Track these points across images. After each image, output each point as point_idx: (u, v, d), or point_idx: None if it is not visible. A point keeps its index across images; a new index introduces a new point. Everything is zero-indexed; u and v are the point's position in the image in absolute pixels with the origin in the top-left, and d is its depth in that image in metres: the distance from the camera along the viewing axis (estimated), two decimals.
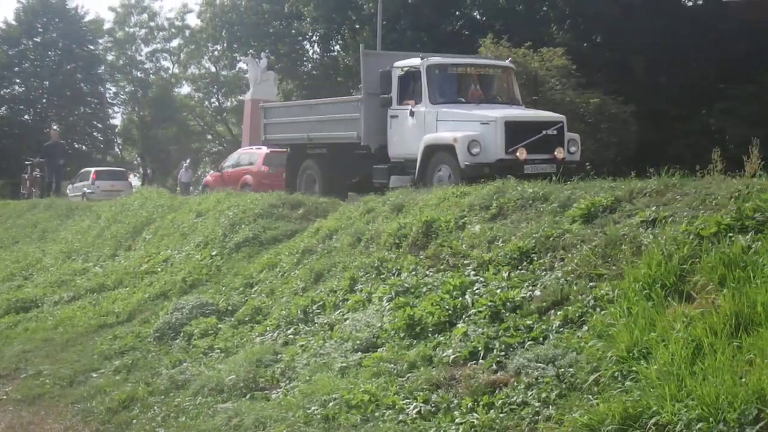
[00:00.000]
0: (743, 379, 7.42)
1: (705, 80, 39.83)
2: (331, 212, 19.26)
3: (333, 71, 63.60)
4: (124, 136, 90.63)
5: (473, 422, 9.06)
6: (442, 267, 13.19)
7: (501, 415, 9.02)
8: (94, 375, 15.43)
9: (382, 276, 13.97)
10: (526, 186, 14.41)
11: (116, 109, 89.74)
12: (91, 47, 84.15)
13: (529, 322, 10.52)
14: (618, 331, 9.13)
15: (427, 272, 13.28)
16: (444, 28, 45.50)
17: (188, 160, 78.17)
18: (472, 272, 12.44)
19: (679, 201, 11.46)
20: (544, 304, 10.72)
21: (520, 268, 11.92)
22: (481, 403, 9.34)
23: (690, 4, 44.91)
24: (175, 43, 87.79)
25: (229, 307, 16.30)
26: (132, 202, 28.93)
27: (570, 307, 10.32)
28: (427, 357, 10.79)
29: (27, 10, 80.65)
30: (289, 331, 13.99)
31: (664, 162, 14.61)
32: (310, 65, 68.93)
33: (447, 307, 11.62)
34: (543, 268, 11.61)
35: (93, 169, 51.92)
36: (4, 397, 15.43)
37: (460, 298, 11.72)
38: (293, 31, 65.23)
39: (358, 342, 12.05)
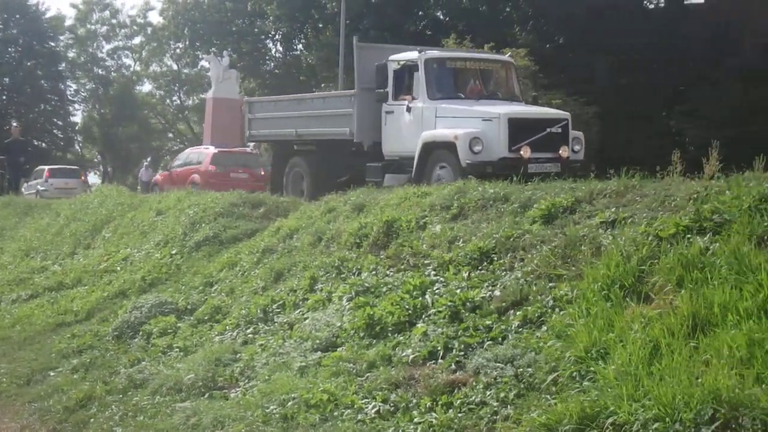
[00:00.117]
0: (699, 380, 7.47)
1: (666, 82, 40.08)
2: (292, 211, 19.23)
3: (296, 70, 63.51)
4: (85, 134, 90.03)
5: (432, 422, 9.08)
6: (402, 267, 13.19)
7: (459, 414, 9.04)
8: (52, 374, 15.36)
9: (342, 275, 13.96)
10: (486, 186, 14.43)
11: (77, 106, 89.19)
12: (52, 44, 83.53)
13: (488, 322, 10.54)
14: (576, 331, 9.18)
15: (388, 272, 13.28)
16: (407, 28, 45.50)
17: (149, 159, 77.91)
18: (433, 272, 12.45)
19: (639, 202, 11.52)
20: (504, 304, 10.75)
21: (480, 268, 11.94)
22: (440, 402, 9.36)
23: (652, 6, 45.15)
24: (136, 40, 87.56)
25: (189, 306, 16.26)
26: (92, 200, 28.81)
27: (529, 308, 10.35)
28: (387, 357, 10.80)
29: None
30: (248, 331, 13.97)
31: (625, 163, 14.69)
32: (272, 64, 68.82)
33: (407, 306, 11.62)
34: (503, 268, 11.63)
35: (47, 167, 51.85)
36: None
37: (420, 298, 11.73)
38: (256, 29, 65.09)
39: (317, 341, 12.05)
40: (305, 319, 13.18)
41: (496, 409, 8.88)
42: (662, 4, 44.91)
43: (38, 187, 47.68)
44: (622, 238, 10.45)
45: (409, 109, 20.83)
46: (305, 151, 25.31)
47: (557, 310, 10.04)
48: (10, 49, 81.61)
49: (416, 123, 20.64)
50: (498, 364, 9.50)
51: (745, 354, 7.50)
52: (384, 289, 12.62)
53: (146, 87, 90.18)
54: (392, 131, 21.55)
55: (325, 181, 22.52)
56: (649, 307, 9.08)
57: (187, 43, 70.15)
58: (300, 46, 63.27)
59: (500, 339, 10.13)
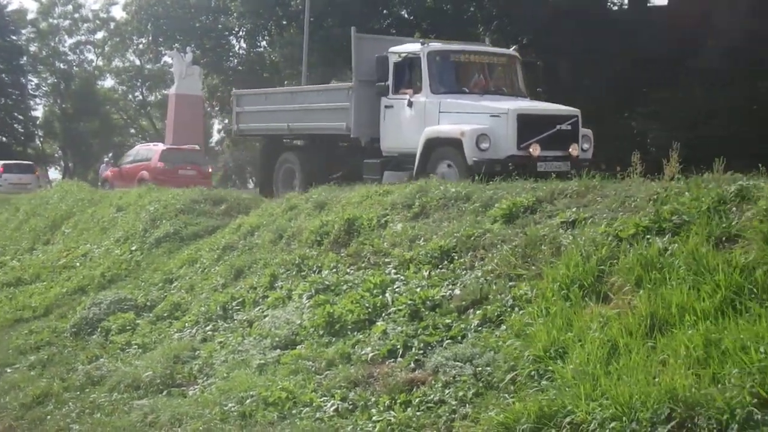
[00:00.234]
0: (656, 379, 7.51)
1: (629, 84, 40.25)
2: (253, 209, 19.19)
3: (259, 67, 63.30)
4: (46, 129, 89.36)
5: (390, 420, 9.08)
6: (363, 265, 13.19)
7: (418, 413, 9.06)
8: (9, 370, 15.28)
9: (302, 273, 13.94)
10: (448, 186, 14.43)
11: (38, 101, 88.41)
12: (14, 37, 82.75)
13: (448, 321, 10.55)
14: (535, 330, 9.21)
15: (348, 270, 13.28)
16: (372, 26, 45.40)
17: (110, 154, 77.44)
18: (393, 271, 12.46)
19: (599, 203, 11.57)
20: (464, 303, 10.76)
21: (440, 267, 11.95)
22: (399, 401, 9.37)
23: (615, 8, 45.35)
24: (99, 35, 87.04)
25: (148, 303, 16.22)
26: (52, 195, 28.68)
27: (489, 307, 10.37)
28: (346, 355, 10.80)
29: None
30: (207, 328, 13.93)
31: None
32: (235, 60, 68.49)
33: (367, 305, 11.62)
34: (463, 267, 11.65)
35: (0, 162, 51.61)
36: None
37: (380, 297, 11.74)
38: (219, 25, 64.78)
39: (277, 339, 12.03)
40: (265, 316, 13.16)
41: (454, 407, 8.89)
42: (625, 6, 45.11)
43: None
44: (582, 238, 10.49)
45: (410, 104, 19.97)
46: (297, 146, 24.75)
47: (517, 309, 10.06)
48: None
49: (418, 118, 19.76)
50: (457, 363, 9.51)
51: (702, 354, 7.54)
52: (344, 287, 12.62)
53: (108, 82, 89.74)
54: (392, 126, 20.66)
55: (318, 177, 21.23)
56: (608, 307, 9.13)
57: (150, 38, 69.61)
58: (264, 43, 62.99)
59: (460, 338, 10.15)
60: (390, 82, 20.46)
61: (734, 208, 9.63)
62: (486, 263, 11.34)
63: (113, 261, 19.19)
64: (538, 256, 10.78)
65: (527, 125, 18.25)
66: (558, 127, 18.60)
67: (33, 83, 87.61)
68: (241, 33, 64.79)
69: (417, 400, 9.27)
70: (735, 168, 11.32)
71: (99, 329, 15.83)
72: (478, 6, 45.24)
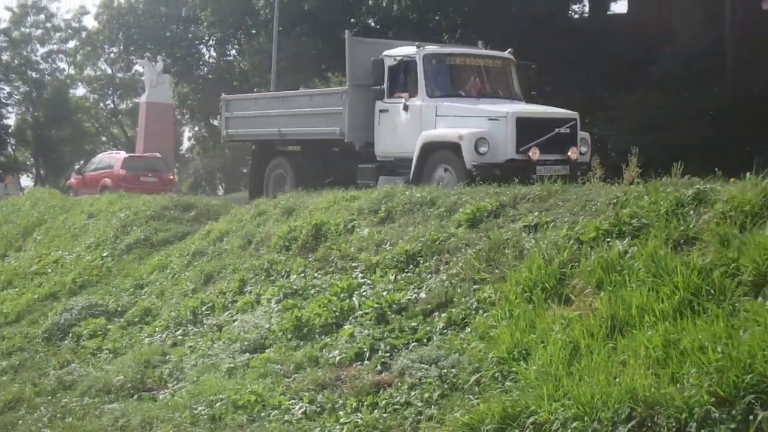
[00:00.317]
0: (617, 379, 7.51)
1: (589, 90, 40.44)
2: (222, 215, 19.13)
3: (229, 75, 63.17)
4: (18, 137, 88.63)
5: (357, 422, 9.05)
6: (330, 269, 13.17)
7: (384, 415, 9.03)
8: None
9: (271, 278, 13.91)
10: (413, 191, 14.43)
11: (10, 109, 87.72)
12: None
13: (413, 324, 10.55)
14: (499, 332, 9.20)
15: (316, 274, 13.25)
16: (339, 34, 45.43)
17: (82, 162, 77.01)
18: (360, 275, 12.44)
19: (561, 207, 11.59)
20: (429, 306, 10.76)
21: (406, 271, 11.95)
22: (366, 403, 9.35)
23: (576, 16, 45.55)
24: (71, 44, 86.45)
25: (119, 308, 16.13)
26: (23, 202, 28.47)
27: (454, 310, 10.37)
28: (314, 358, 10.78)
29: None
30: (178, 332, 13.87)
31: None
32: (205, 69, 68.35)
33: (334, 308, 11.60)
34: (428, 271, 11.65)
35: None
36: None
37: (347, 300, 11.72)
38: (190, 35, 64.69)
39: (246, 343, 11.99)
40: (234, 321, 13.12)
41: (420, 409, 8.87)
42: (586, 14, 45.30)
43: None
44: (544, 241, 10.51)
45: (406, 108, 19.40)
46: (288, 152, 23.97)
47: (481, 312, 10.06)
48: None
49: (414, 122, 19.23)
50: (423, 365, 9.50)
51: (661, 354, 7.55)
52: (312, 292, 12.60)
53: (80, 91, 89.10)
54: (387, 131, 20.11)
55: (310, 182, 19.82)
56: (570, 309, 9.14)
57: (121, 47, 69.39)
58: (233, 52, 62.95)
59: (425, 340, 10.15)
60: (385, 85, 19.98)
61: (692, 212, 9.67)
62: (451, 267, 11.34)
63: (84, 267, 19.08)
64: (501, 260, 10.78)
65: (526, 129, 17.84)
66: (557, 130, 18.18)
67: (5, 92, 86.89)
68: (210, 42, 64.77)
69: (384, 402, 9.25)
70: (692, 172, 11.36)
71: (70, 334, 15.73)
72: (443, 15, 45.26)
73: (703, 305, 7.95)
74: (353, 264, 12.89)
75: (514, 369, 8.52)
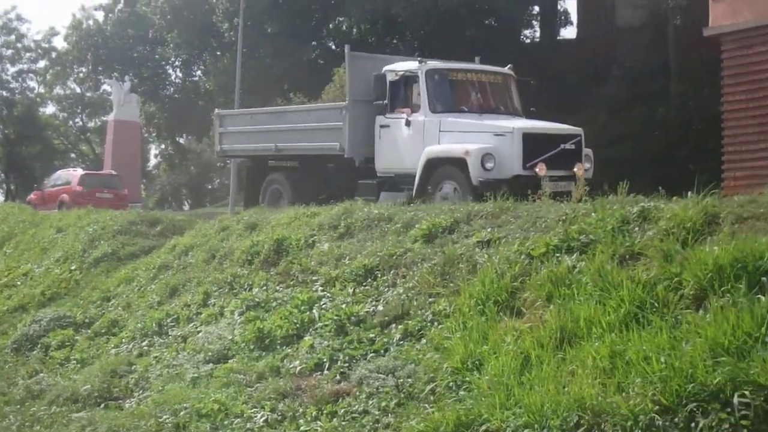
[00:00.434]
0: (566, 388, 7.56)
1: (540, 111, 40.71)
2: (187, 230, 19.04)
3: (194, 95, 63.00)
4: None
5: (317, 430, 9.06)
6: (291, 283, 13.14)
7: (343, 423, 9.02)
8: None
9: (234, 291, 13.86)
10: (372, 208, 14.42)
11: None
12: None
13: (371, 336, 10.56)
14: (454, 343, 9.22)
15: (278, 288, 13.22)
16: (301, 56, 45.46)
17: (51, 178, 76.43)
18: (320, 288, 12.42)
19: (513, 223, 11.63)
20: (386, 318, 10.76)
21: (364, 284, 11.94)
22: (325, 411, 9.34)
23: (528, 41, 45.84)
24: (41, 64, 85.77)
25: (87, 320, 16.03)
26: None
27: (410, 322, 10.38)
28: (275, 368, 10.75)
29: None
30: (143, 343, 13.80)
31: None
32: (172, 89, 68.16)
33: (295, 320, 11.57)
34: (386, 284, 11.65)
35: None
36: None
37: (308, 313, 11.69)
38: (156, 56, 64.62)
39: (209, 354, 11.93)
40: (198, 332, 13.06)
41: (377, 417, 8.87)
42: (537, 39, 45.60)
43: None
44: (496, 256, 10.54)
45: (408, 123, 18.64)
46: (285, 167, 23.18)
47: (436, 324, 10.07)
48: None
49: (417, 137, 18.45)
50: (380, 375, 9.50)
51: (608, 364, 7.60)
52: (274, 304, 12.56)
53: (50, 109, 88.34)
54: (388, 146, 19.30)
55: (307, 198, 18.68)
56: (521, 321, 9.17)
57: (89, 67, 69.04)
58: (199, 72, 62.84)
59: (382, 351, 10.14)
60: (386, 101, 19.26)
61: (637, 228, 9.74)
62: (407, 281, 11.35)
63: (53, 280, 18.94)
64: (455, 274, 10.80)
65: (532, 144, 17.20)
66: (562, 146, 17.54)
67: None
68: (177, 63, 64.73)
69: (342, 410, 9.24)
70: (637, 190, 11.44)
71: (39, 345, 15.64)
72: (401, 39, 45.44)
73: (648, 318, 8.00)
74: (313, 278, 12.86)
75: (467, 379, 8.54)
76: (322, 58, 46.15)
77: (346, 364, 10.16)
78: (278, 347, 11.30)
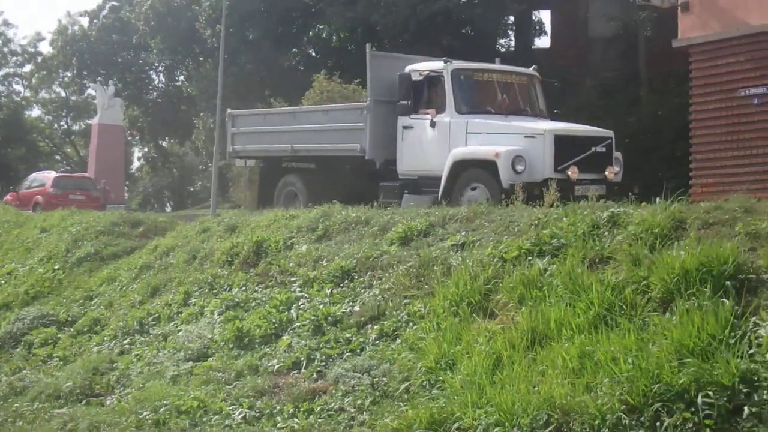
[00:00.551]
0: (536, 388, 7.59)
1: None
2: (169, 231, 18.99)
3: (177, 99, 62.90)
4: None
5: (294, 427, 9.04)
6: (270, 283, 13.13)
7: (319, 420, 9.03)
8: None
9: (214, 291, 13.83)
10: (349, 211, 14.42)
11: None
12: None
13: (348, 335, 10.57)
14: (428, 344, 9.25)
15: (257, 288, 13.20)
16: (282, 63, 45.39)
17: None
18: (298, 289, 12.42)
19: (486, 227, 11.65)
20: (363, 318, 10.77)
21: (341, 285, 11.95)
22: (302, 409, 9.34)
23: (503, 50, 45.91)
24: (27, 68, 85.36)
25: (69, 318, 15.95)
26: None
27: (386, 322, 10.40)
28: (254, 366, 10.74)
29: None
30: (125, 342, 13.75)
31: None
32: (155, 93, 68.03)
33: (273, 320, 11.57)
34: (362, 286, 11.66)
35: None
36: None
37: (286, 313, 11.70)
38: (140, 61, 64.53)
39: (189, 352, 11.91)
40: (179, 331, 13.02)
41: (353, 415, 8.88)
42: (512, 48, 45.68)
43: None
44: (470, 259, 10.57)
45: (433, 124, 17.62)
46: (300, 169, 21.75)
47: (411, 324, 10.10)
48: None
49: (442, 139, 17.48)
50: (356, 374, 9.51)
51: (577, 365, 7.64)
52: (253, 304, 12.55)
53: (35, 112, 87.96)
54: (411, 148, 18.21)
55: (323, 200, 16.65)
56: (493, 323, 9.20)
57: (74, 72, 68.86)
58: (181, 78, 62.73)
59: (359, 351, 10.16)
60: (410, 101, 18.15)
61: (606, 233, 9.80)
62: (383, 282, 11.37)
63: (37, 279, 18.84)
64: (430, 276, 10.83)
65: (563, 147, 16.33)
66: (593, 148, 16.64)
67: None
68: (160, 68, 64.58)
69: (319, 408, 9.25)
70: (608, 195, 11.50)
71: (22, 343, 15.55)
72: (379, 47, 45.44)
73: (616, 320, 8.06)
74: (292, 279, 12.86)
75: (441, 378, 8.57)
76: (302, 65, 46.11)
77: (323, 363, 10.16)
78: (257, 346, 11.30)
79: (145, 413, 10.35)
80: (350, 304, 11.32)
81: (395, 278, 11.23)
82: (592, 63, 38.04)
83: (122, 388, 11.91)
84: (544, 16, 45.63)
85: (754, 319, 7.29)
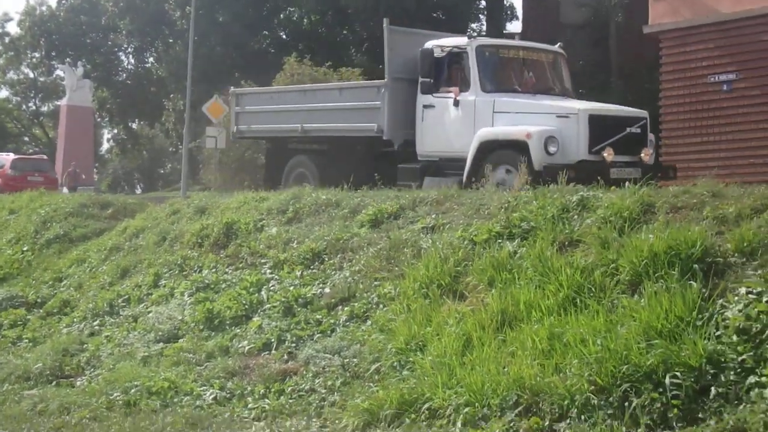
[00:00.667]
0: (506, 369, 7.66)
1: None
2: (138, 212, 18.90)
3: (146, 81, 62.62)
4: None
5: (264, 407, 9.06)
6: (240, 265, 13.12)
7: (290, 400, 9.06)
8: None
9: (184, 273, 13.79)
10: (320, 193, 14.40)
11: None
12: None
13: (318, 317, 10.60)
14: (398, 325, 9.30)
15: (227, 270, 13.19)
16: (252, 45, 45.30)
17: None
18: (268, 270, 12.42)
19: (456, 210, 11.70)
20: (333, 300, 10.80)
21: (312, 267, 11.96)
22: (273, 390, 9.37)
23: (475, 34, 46.00)
24: None
25: (39, 300, 15.84)
26: None
27: (356, 304, 10.44)
28: (224, 347, 10.76)
29: None
30: (95, 323, 13.69)
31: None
32: (124, 75, 67.70)
33: (244, 302, 11.58)
34: (333, 267, 11.67)
35: None
36: None
37: (257, 294, 11.71)
38: (109, 42, 64.12)
39: (160, 333, 11.90)
40: (149, 312, 12.99)
41: (324, 395, 8.93)
42: (484, 33, 45.78)
43: None
44: (440, 242, 10.61)
45: (456, 103, 16.41)
46: (311, 150, 20.51)
47: (381, 306, 10.15)
48: None
49: (467, 119, 16.28)
50: (326, 355, 9.55)
51: (546, 346, 7.71)
52: (223, 286, 12.54)
53: (3, 93, 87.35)
54: (432, 128, 17.02)
55: (336, 183, 15.79)
56: (463, 304, 9.25)
57: (43, 53, 68.39)
58: (151, 59, 62.47)
59: (329, 332, 10.20)
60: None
61: (576, 216, 9.87)
62: (353, 264, 11.39)
63: (5, 260, 18.71)
64: (400, 258, 10.86)
65: (598, 127, 15.34)
66: (628, 129, 15.66)
67: None
68: (129, 49, 64.23)
69: (289, 388, 9.28)
70: (579, 180, 11.55)
71: None
72: (350, 30, 45.40)
73: (585, 302, 8.13)
74: (262, 260, 12.86)
75: (411, 359, 8.62)
76: (272, 47, 46.02)
77: (294, 344, 10.19)
78: (227, 327, 11.31)
79: (115, 394, 10.33)
80: (321, 285, 11.34)
81: (365, 260, 11.26)
82: (564, 48, 38.15)
83: (92, 370, 11.86)
84: (516, 1, 45.76)
85: (721, 301, 7.38)
